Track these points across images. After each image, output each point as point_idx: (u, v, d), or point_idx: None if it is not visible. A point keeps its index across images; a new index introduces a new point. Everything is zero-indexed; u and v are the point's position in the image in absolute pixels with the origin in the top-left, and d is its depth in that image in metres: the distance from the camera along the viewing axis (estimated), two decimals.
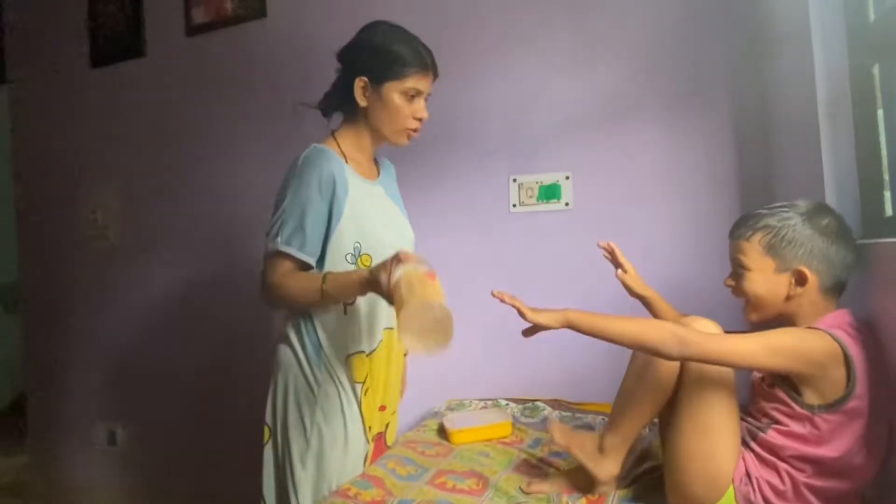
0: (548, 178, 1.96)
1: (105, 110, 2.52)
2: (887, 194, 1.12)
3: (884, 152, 1.12)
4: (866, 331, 0.99)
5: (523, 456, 1.47)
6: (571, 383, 1.89)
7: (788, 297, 1.02)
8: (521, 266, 1.97)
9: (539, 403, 1.82)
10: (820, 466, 0.95)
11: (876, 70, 1.13)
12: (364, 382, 1.30)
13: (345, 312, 1.27)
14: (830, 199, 1.20)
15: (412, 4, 2.08)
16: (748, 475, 0.99)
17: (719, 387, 1.01)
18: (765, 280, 1.03)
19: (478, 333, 1.99)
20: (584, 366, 1.88)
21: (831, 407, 0.94)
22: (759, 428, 1.02)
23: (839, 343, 0.93)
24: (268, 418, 1.28)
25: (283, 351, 1.27)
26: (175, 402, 2.37)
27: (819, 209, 1.03)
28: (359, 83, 1.20)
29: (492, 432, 1.59)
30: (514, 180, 1.99)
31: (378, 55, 1.18)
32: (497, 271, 1.99)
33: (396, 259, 1.08)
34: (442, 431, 1.64)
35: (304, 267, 1.21)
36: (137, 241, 2.47)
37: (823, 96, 1.21)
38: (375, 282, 1.08)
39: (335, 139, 1.28)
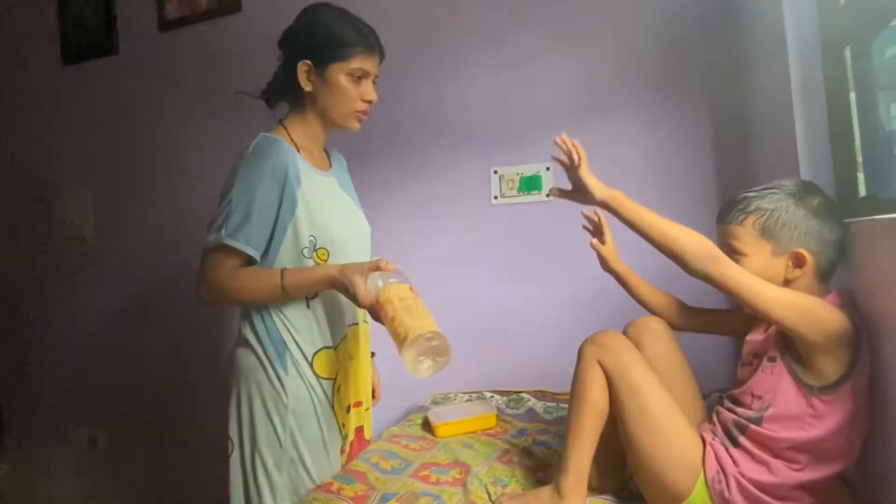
0: (528, 170, 1.95)
1: (77, 109, 2.47)
2: (860, 175, 1.13)
3: (856, 134, 1.13)
4: (855, 310, 0.98)
5: (506, 446, 1.47)
6: (556, 374, 1.88)
7: (786, 281, 1.00)
8: (503, 258, 1.97)
9: (524, 395, 1.81)
10: (813, 453, 0.92)
11: (847, 52, 1.14)
12: (336, 379, 1.26)
13: (307, 306, 1.21)
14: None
15: None
16: (723, 472, 0.97)
17: (643, 382, 1.03)
18: (761, 264, 1.00)
19: (461, 326, 1.97)
20: (568, 356, 1.87)
21: (829, 388, 0.92)
22: (749, 419, 0.98)
23: (851, 321, 0.91)
24: (232, 431, 1.20)
25: (243, 355, 1.20)
26: (154, 403, 2.33)
27: (808, 188, 1.02)
28: (302, 67, 1.15)
29: (476, 424, 1.58)
30: (496, 172, 1.98)
31: (320, 37, 1.14)
32: (479, 263, 1.99)
33: (374, 266, 1.08)
34: (427, 425, 1.63)
35: (248, 262, 1.14)
36: (112, 243, 2.42)
37: (797, 79, 1.21)
38: (346, 285, 1.06)
39: (284, 128, 1.22)
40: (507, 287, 1.96)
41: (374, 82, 1.21)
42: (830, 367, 0.91)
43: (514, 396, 1.82)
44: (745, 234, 1.03)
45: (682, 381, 1.18)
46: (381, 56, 1.20)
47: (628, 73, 1.86)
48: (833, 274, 1.02)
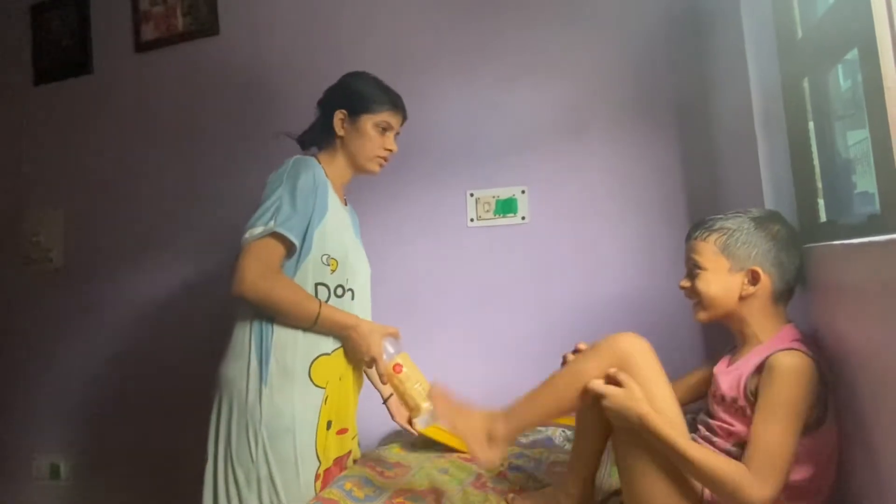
0: (504, 193, 1.98)
1: (49, 128, 2.44)
2: (821, 201, 1.17)
3: (816, 161, 1.17)
4: (814, 342, 0.99)
5: (480, 471, 1.46)
6: None
7: (741, 298, 1.03)
8: (479, 280, 1.97)
9: None
10: (790, 490, 0.91)
11: (805, 83, 1.19)
12: (326, 388, 1.27)
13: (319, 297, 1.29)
14: (769, 207, 1.24)
15: (367, 22, 2.10)
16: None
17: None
18: (719, 279, 1.04)
19: (435, 348, 1.98)
20: (539, 379, 1.88)
21: (807, 431, 0.91)
22: (728, 453, 0.96)
23: (816, 363, 0.92)
24: (209, 444, 1.23)
25: (227, 367, 1.25)
26: (120, 432, 2.26)
27: (771, 216, 1.07)
28: (338, 115, 1.35)
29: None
30: (472, 195, 2.00)
31: (357, 92, 1.36)
32: (455, 285, 1.99)
33: (393, 336, 1.31)
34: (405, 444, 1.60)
35: (288, 255, 1.23)
36: (82, 265, 2.37)
37: (759, 110, 1.26)
38: (368, 343, 1.25)
39: (316, 158, 1.36)
40: (483, 309, 1.97)
41: (395, 136, 1.43)
42: (809, 415, 0.92)
43: None
44: (707, 250, 1.06)
45: (669, 404, 1.18)
46: (404, 116, 1.43)
47: (600, 100, 1.91)
48: (790, 299, 1.05)
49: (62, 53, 2.39)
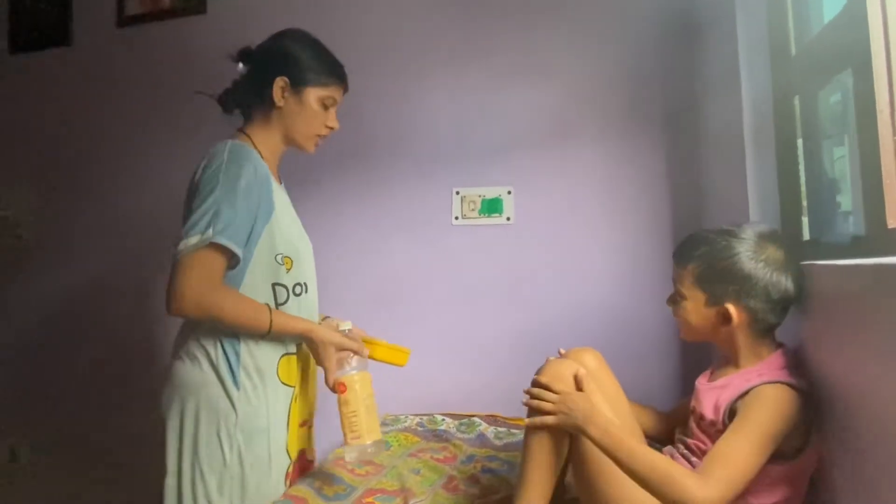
0: (490, 192, 1.96)
1: (23, 100, 2.35)
2: (805, 219, 1.18)
3: (802, 179, 1.18)
4: (801, 367, 0.98)
5: (453, 472, 1.44)
6: (508, 399, 1.88)
7: (719, 330, 1.01)
8: (460, 279, 1.96)
9: (475, 419, 1.79)
10: None
11: (797, 101, 1.19)
12: (295, 387, 1.23)
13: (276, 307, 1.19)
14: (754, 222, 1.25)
15: (359, 6, 2.06)
16: None
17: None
18: (697, 310, 1.02)
19: (413, 346, 1.95)
20: (520, 382, 1.87)
21: (788, 458, 0.91)
22: None
23: (801, 394, 0.91)
24: (169, 457, 1.13)
25: (187, 370, 1.14)
26: (81, 413, 2.19)
27: (763, 238, 0.98)
28: (279, 83, 1.17)
29: (387, 354, 1.38)
30: (457, 193, 1.98)
31: (302, 60, 1.19)
32: (436, 283, 1.97)
33: (351, 351, 1.19)
34: None
35: (229, 264, 1.11)
36: (53, 242, 2.29)
37: (749, 125, 1.26)
38: (318, 352, 1.15)
39: (248, 137, 1.21)
40: (463, 309, 1.95)
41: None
42: (788, 444, 0.91)
43: (465, 420, 1.80)
44: (685, 279, 1.04)
45: (623, 417, 1.17)
46: (346, 90, 1.27)
47: (590, 105, 1.90)
48: (779, 324, 1.01)
49: (41, 23, 2.30)
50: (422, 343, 1.96)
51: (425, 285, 1.98)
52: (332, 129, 1.24)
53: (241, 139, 1.20)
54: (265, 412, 1.16)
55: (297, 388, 1.25)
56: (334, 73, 1.21)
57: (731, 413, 0.95)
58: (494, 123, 1.97)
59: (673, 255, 1.08)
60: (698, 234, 1.06)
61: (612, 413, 1.02)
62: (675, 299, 1.07)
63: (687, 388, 1.76)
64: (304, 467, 1.36)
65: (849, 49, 0.91)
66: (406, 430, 1.76)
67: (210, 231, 1.04)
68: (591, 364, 1.17)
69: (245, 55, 1.22)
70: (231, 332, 1.14)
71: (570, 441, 1.03)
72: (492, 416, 1.83)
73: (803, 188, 1.18)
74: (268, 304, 1.14)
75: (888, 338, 0.70)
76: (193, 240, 1.04)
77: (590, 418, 0.96)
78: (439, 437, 1.70)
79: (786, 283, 0.96)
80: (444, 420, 1.82)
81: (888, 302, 0.69)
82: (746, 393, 0.94)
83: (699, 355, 1.74)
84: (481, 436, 1.70)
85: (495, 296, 1.93)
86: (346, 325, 1.25)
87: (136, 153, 2.21)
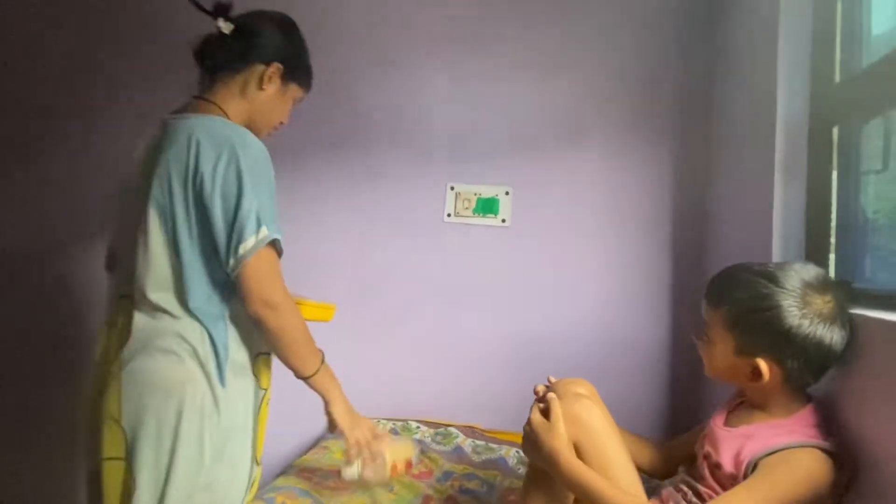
0: (487, 191, 1.85)
1: None
2: (832, 257, 1.11)
3: (833, 214, 1.11)
4: (833, 424, 0.90)
5: (429, 492, 1.35)
6: (488, 410, 1.79)
7: (745, 381, 0.92)
8: (449, 278, 1.85)
9: (452, 429, 1.70)
10: None
11: (835, 131, 1.12)
12: (267, 391, 1.13)
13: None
14: (776, 256, 1.18)
15: None
16: None
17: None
18: (725, 357, 0.93)
19: (392, 345, 1.85)
20: (503, 393, 1.79)
21: None
22: None
23: (834, 459, 0.84)
24: (139, 468, 0.97)
25: (166, 366, 0.98)
26: (21, 399, 1.99)
27: (810, 289, 0.87)
28: (275, 67, 1.11)
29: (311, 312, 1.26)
30: (452, 188, 1.86)
31: (302, 56, 1.18)
32: (421, 281, 1.85)
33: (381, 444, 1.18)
34: None
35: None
36: None
37: (780, 151, 1.18)
38: (348, 427, 1.14)
39: (222, 111, 1.08)
40: (447, 311, 1.85)
41: None
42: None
43: (441, 430, 1.70)
44: (716, 322, 0.94)
45: (611, 451, 1.09)
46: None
47: (598, 107, 1.81)
48: (817, 381, 0.91)
49: None
50: (400, 343, 1.86)
51: (410, 282, 1.86)
52: (282, 124, 1.22)
53: (214, 111, 1.07)
54: (243, 410, 1.05)
55: (268, 393, 1.13)
56: (311, 78, 1.21)
57: (753, 469, 0.87)
58: (495, 119, 1.86)
59: (706, 292, 0.98)
60: (736, 271, 0.95)
61: (607, 455, 0.95)
62: (702, 337, 0.98)
63: (678, 409, 1.72)
64: None
65: None
66: None
67: (263, 228, 0.98)
68: (582, 396, 1.09)
69: (226, 10, 1.09)
70: (220, 326, 1.02)
71: None
72: (469, 427, 1.73)
73: (833, 224, 1.11)
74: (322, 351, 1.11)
75: None
76: (252, 234, 0.97)
77: (553, 456, 0.92)
78: (418, 446, 1.59)
79: (830, 342, 0.86)
80: (419, 428, 1.71)
81: None
82: (775, 452, 0.85)
83: (692, 372, 1.68)
84: (458, 449, 1.60)
85: (483, 301, 1.83)
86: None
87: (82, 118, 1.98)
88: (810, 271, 0.90)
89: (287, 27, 1.17)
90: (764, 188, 1.21)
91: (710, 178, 1.68)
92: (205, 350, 1.00)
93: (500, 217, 1.84)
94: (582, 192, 1.81)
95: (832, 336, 0.86)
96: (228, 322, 1.03)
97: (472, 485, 1.40)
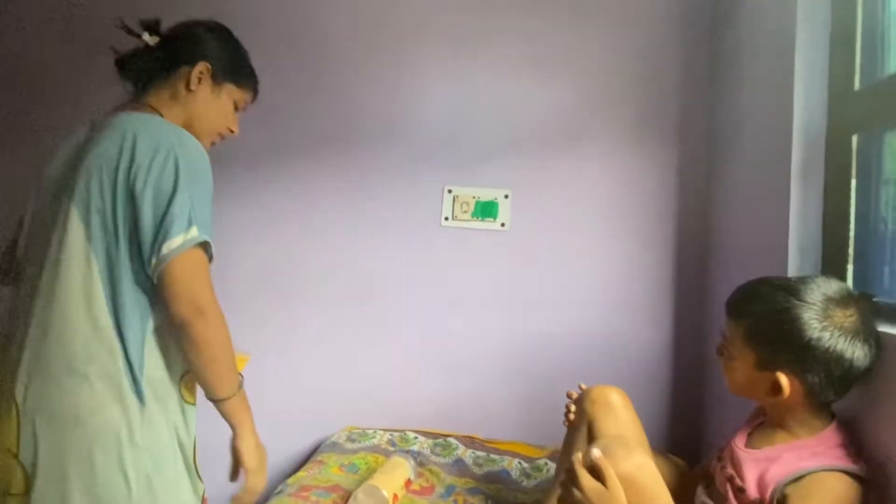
0: (486, 194, 1.80)
1: None
2: (850, 268, 1.09)
3: (852, 224, 1.09)
4: (859, 444, 0.88)
5: None
6: (488, 419, 1.75)
7: (766, 397, 0.89)
8: (445, 285, 1.80)
9: (451, 440, 1.65)
10: None
11: (854, 139, 1.09)
12: (195, 405, 1.03)
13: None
14: (792, 267, 1.15)
15: None
16: None
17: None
18: (745, 372, 0.90)
19: (388, 353, 1.79)
20: (502, 401, 1.75)
21: None
22: None
23: (864, 483, 0.82)
24: (51, 499, 0.86)
25: (71, 393, 0.87)
26: None
27: (832, 303, 0.85)
28: (200, 67, 1.07)
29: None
30: (450, 191, 1.81)
31: (230, 54, 1.12)
32: (418, 286, 1.80)
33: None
34: None
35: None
36: None
37: (797, 159, 1.16)
38: (247, 464, 0.98)
39: (156, 111, 1.03)
40: (445, 318, 1.80)
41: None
42: None
43: (440, 440, 1.65)
44: (736, 335, 0.92)
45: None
46: (254, 100, 1.20)
47: (600, 108, 1.77)
48: (842, 396, 0.88)
49: None
50: (397, 351, 1.80)
51: (406, 288, 1.81)
52: (232, 132, 1.16)
53: (147, 111, 1.01)
54: (172, 429, 0.96)
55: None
56: (252, 79, 1.16)
57: (781, 498, 0.84)
58: (495, 119, 1.81)
59: (726, 306, 0.95)
60: (757, 285, 0.93)
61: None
62: (722, 352, 0.95)
63: (680, 416, 1.70)
64: None
65: None
66: (375, 449, 1.59)
67: (194, 229, 0.89)
68: (616, 404, 1.06)
69: (154, 27, 1.08)
70: (138, 339, 0.91)
71: None
72: (469, 437, 1.69)
73: (852, 234, 1.09)
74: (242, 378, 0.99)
75: None
76: (179, 234, 0.88)
77: None
78: (413, 459, 1.54)
79: (853, 358, 0.84)
80: (416, 438, 1.66)
81: None
82: (801, 477, 0.82)
83: (695, 378, 1.66)
84: (459, 461, 1.55)
85: (481, 307, 1.78)
86: None
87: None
88: (832, 286, 0.88)
89: (215, 29, 1.13)
90: (780, 196, 1.18)
91: (714, 185, 1.66)
92: (116, 364, 0.89)
93: (499, 221, 1.79)
94: (583, 196, 1.77)
95: (854, 350, 0.84)
96: (150, 335, 0.93)
97: (475, 500, 1.35)
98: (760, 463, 0.89)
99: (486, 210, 1.80)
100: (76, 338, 0.88)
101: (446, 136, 1.82)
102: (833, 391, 0.86)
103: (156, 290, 0.90)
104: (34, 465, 0.86)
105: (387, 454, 1.56)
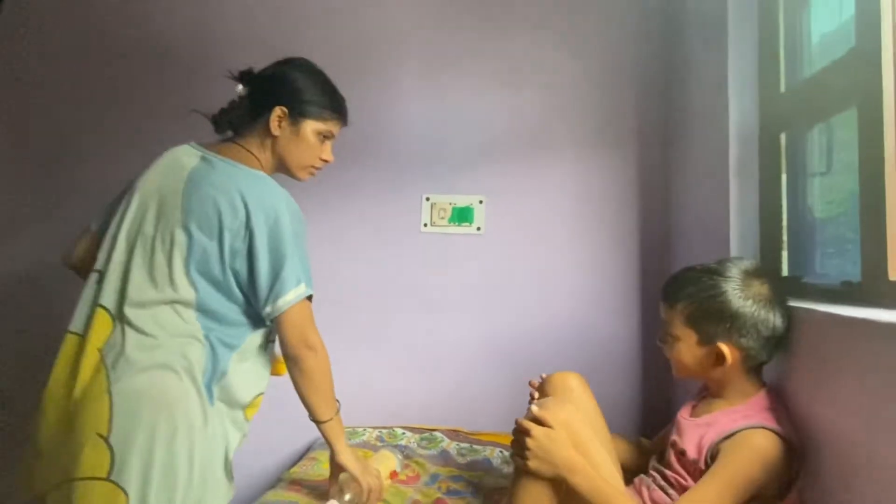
0: (462, 201, 1.90)
1: None
2: (785, 254, 1.19)
3: (784, 214, 1.19)
4: (784, 409, 0.98)
5: (417, 496, 1.38)
6: (471, 413, 1.84)
7: (712, 369, 1.00)
8: (426, 288, 1.89)
9: (437, 433, 1.74)
10: None
11: (783, 137, 1.20)
12: (244, 434, 1.17)
13: (268, 341, 1.19)
14: (733, 255, 1.25)
15: (331, 9, 1.95)
16: None
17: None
18: (689, 351, 1.01)
19: (375, 355, 1.88)
20: (484, 396, 1.84)
21: (767, 501, 0.92)
22: None
23: (786, 441, 0.91)
24: (128, 480, 0.96)
25: (164, 380, 1.00)
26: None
27: (750, 275, 0.99)
28: (277, 112, 1.16)
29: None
30: (428, 199, 1.91)
31: (302, 91, 1.18)
32: (401, 290, 1.90)
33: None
34: None
35: None
36: None
37: (734, 157, 1.27)
38: (359, 477, 1.21)
39: (262, 165, 1.18)
40: (427, 319, 1.89)
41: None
42: (769, 490, 0.91)
43: (426, 435, 1.74)
44: (675, 319, 1.03)
45: (602, 438, 1.16)
46: (346, 124, 1.27)
47: (565, 117, 1.88)
48: (767, 362, 1.01)
49: None
50: (383, 352, 1.89)
51: (390, 292, 1.90)
52: (326, 161, 1.25)
53: (252, 162, 1.16)
54: (226, 436, 1.09)
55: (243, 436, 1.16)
56: (335, 108, 1.21)
57: (714, 454, 0.94)
58: (468, 131, 1.92)
59: (661, 295, 1.07)
60: (683, 273, 1.05)
61: (591, 451, 0.99)
62: (665, 339, 1.06)
63: (649, 404, 1.80)
64: None
65: (852, 91, 0.92)
66: (365, 444, 1.68)
67: (302, 285, 1.10)
68: (574, 388, 1.15)
69: (246, 77, 1.21)
70: (227, 354, 1.08)
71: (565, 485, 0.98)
72: (454, 430, 1.78)
73: (785, 223, 1.19)
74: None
75: (881, 395, 0.70)
76: (292, 289, 1.08)
77: (569, 464, 0.94)
78: (400, 453, 1.64)
79: (774, 319, 0.97)
80: (404, 434, 1.75)
81: (888, 361, 0.69)
82: (731, 435, 0.93)
83: (661, 369, 1.76)
84: (444, 452, 1.64)
85: (461, 306, 1.88)
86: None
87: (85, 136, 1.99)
88: (745, 262, 1.02)
89: (285, 65, 1.21)
90: (720, 192, 1.29)
91: (670, 184, 1.77)
92: (200, 369, 1.03)
93: (475, 225, 1.90)
94: (552, 199, 1.88)
95: (773, 314, 0.97)
96: (235, 353, 1.09)
97: (458, 486, 1.44)
98: (700, 428, 0.99)
99: (462, 216, 1.90)
100: (173, 342, 1.03)
101: (424, 148, 1.92)
102: (765, 352, 0.98)
103: (254, 324, 1.11)
104: (124, 446, 0.96)
105: (375, 449, 1.64)
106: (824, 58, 1.08)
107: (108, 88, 1.98)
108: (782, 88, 1.21)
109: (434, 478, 1.50)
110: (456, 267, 1.89)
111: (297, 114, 1.17)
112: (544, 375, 1.20)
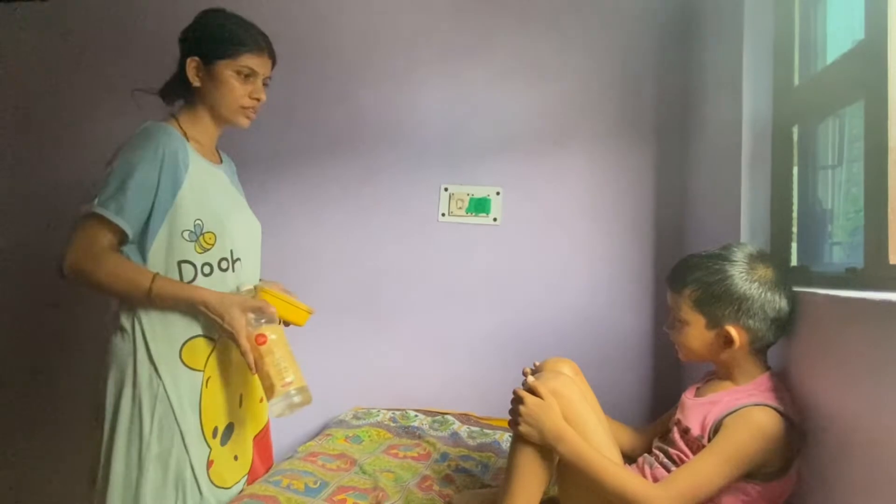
0: (479, 192, 1.94)
1: None
2: (794, 245, 1.21)
3: (795, 206, 1.21)
4: (788, 391, 1.00)
5: (427, 472, 1.43)
6: (482, 398, 1.88)
7: (720, 352, 1.03)
8: (444, 276, 1.94)
9: (449, 417, 1.78)
10: None
11: (795, 130, 1.22)
12: (204, 371, 1.18)
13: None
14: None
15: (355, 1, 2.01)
16: None
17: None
18: (697, 335, 1.03)
19: (391, 340, 1.94)
20: (495, 382, 1.88)
21: (767, 478, 0.94)
22: None
23: (787, 418, 0.93)
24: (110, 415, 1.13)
25: (117, 340, 1.15)
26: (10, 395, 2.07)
27: (754, 259, 1.01)
28: (191, 63, 1.19)
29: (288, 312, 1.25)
30: (446, 189, 1.96)
31: (211, 35, 1.19)
32: (418, 278, 1.95)
33: (258, 310, 1.15)
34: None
35: (120, 237, 1.11)
36: None
37: (747, 150, 1.28)
38: (222, 315, 1.12)
39: (175, 120, 1.23)
40: (443, 306, 1.94)
41: (265, 84, 1.26)
42: (768, 462, 0.94)
43: (438, 418, 1.79)
44: (683, 304, 1.05)
45: (596, 428, 1.17)
46: (272, 59, 1.25)
47: (583, 110, 1.91)
48: (772, 345, 1.03)
49: None
50: (398, 338, 1.95)
51: (407, 280, 1.95)
52: (258, 100, 1.23)
53: (169, 122, 1.21)
54: (165, 394, 1.14)
55: (208, 372, 1.19)
56: (244, 42, 1.19)
57: (716, 429, 0.97)
58: (487, 122, 1.96)
59: (667, 281, 1.09)
60: (688, 259, 1.08)
61: (587, 423, 1.03)
62: (673, 324, 1.08)
63: (660, 396, 1.82)
64: (266, 456, 1.38)
65: (860, 83, 0.94)
66: (378, 424, 1.74)
67: (95, 202, 1.08)
68: (567, 373, 1.18)
69: (179, 43, 1.24)
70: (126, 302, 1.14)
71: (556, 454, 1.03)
72: (465, 414, 1.82)
73: (795, 215, 1.21)
74: (156, 273, 1.12)
75: (883, 376, 0.73)
76: (83, 207, 1.09)
77: (556, 433, 0.99)
78: (412, 433, 1.69)
79: (779, 300, 0.99)
80: (416, 416, 1.80)
81: (889, 342, 0.71)
82: (734, 412, 0.96)
83: (672, 361, 1.77)
84: (455, 434, 1.69)
85: (476, 295, 1.92)
86: (248, 287, 1.23)
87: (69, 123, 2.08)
88: (749, 247, 1.05)
89: (193, 22, 1.23)
90: (733, 184, 1.31)
91: (686, 177, 1.79)
92: (138, 322, 1.14)
93: (491, 216, 1.94)
94: (568, 191, 1.91)
95: (779, 297, 0.99)
96: (138, 308, 1.15)
97: (467, 464, 1.49)
98: (705, 406, 1.02)
99: (479, 206, 1.95)
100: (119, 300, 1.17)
101: (442, 139, 1.97)
102: (771, 333, 1.00)
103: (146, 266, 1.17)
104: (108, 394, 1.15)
105: (388, 429, 1.70)
106: (837, 51, 1.10)
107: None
108: (796, 82, 1.22)
109: (444, 456, 1.54)
110: (472, 257, 1.94)
111: (208, 59, 1.18)
112: (537, 363, 1.23)
